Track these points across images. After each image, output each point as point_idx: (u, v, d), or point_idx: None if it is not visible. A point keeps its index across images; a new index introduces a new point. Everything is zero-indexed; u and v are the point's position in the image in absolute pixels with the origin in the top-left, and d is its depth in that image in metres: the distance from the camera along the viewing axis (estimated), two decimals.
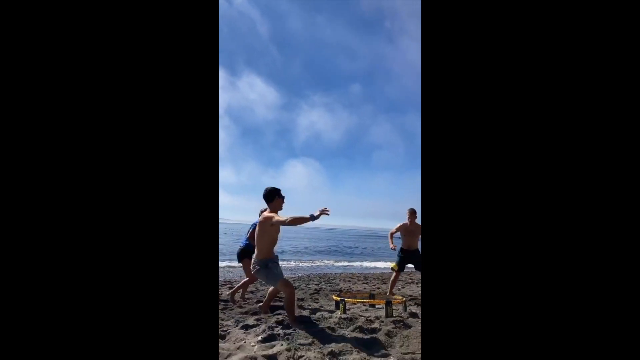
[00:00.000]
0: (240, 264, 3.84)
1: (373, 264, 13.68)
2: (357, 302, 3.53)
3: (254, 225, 3.67)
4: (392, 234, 4.47)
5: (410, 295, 4.47)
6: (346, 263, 13.70)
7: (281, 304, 3.64)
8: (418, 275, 8.59)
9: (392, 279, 4.28)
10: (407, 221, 4.26)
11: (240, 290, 3.94)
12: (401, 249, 4.24)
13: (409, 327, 2.53)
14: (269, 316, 2.92)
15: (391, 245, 4.52)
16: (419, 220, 4.22)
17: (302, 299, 4.12)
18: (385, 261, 15.30)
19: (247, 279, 3.78)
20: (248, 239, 3.75)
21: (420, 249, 4.24)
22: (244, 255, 3.72)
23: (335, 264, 12.92)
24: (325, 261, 13.61)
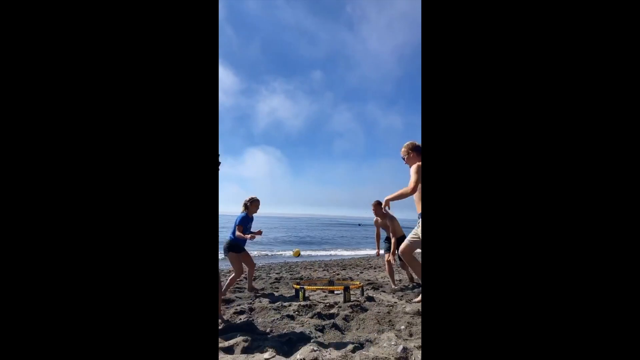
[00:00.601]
0: (226, 257, 3.68)
1: (333, 252, 13.98)
2: (317, 289, 3.59)
3: (241, 219, 3.61)
4: (377, 236, 4.40)
5: (368, 280, 4.64)
6: (307, 251, 13.85)
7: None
8: (377, 261, 8.94)
9: (388, 270, 4.01)
10: (375, 217, 4.27)
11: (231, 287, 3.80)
12: (387, 237, 4.21)
13: (366, 310, 2.63)
14: (227, 307, 2.87)
15: (376, 251, 4.41)
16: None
17: (263, 288, 4.10)
18: (345, 249, 15.68)
19: (233, 275, 3.63)
20: (233, 233, 3.63)
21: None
22: (230, 249, 3.60)
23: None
24: (287, 251, 13.65)
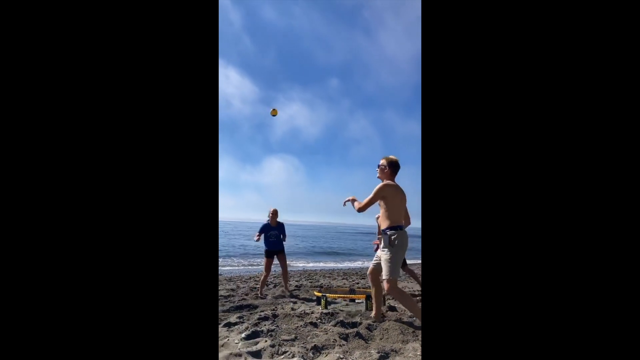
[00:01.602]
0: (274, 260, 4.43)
1: (353, 260, 13.87)
2: (338, 297, 3.59)
3: (260, 227, 4.30)
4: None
5: None
6: (326, 259, 13.82)
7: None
8: None
9: (413, 276, 4.32)
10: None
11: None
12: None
13: (389, 319, 2.62)
14: (250, 313, 2.93)
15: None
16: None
17: (283, 296, 4.14)
18: (362, 259, 15.52)
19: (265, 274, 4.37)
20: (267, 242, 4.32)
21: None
22: (264, 252, 4.38)
23: (315, 262, 13.00)
24: (306, 259, 13.65)
